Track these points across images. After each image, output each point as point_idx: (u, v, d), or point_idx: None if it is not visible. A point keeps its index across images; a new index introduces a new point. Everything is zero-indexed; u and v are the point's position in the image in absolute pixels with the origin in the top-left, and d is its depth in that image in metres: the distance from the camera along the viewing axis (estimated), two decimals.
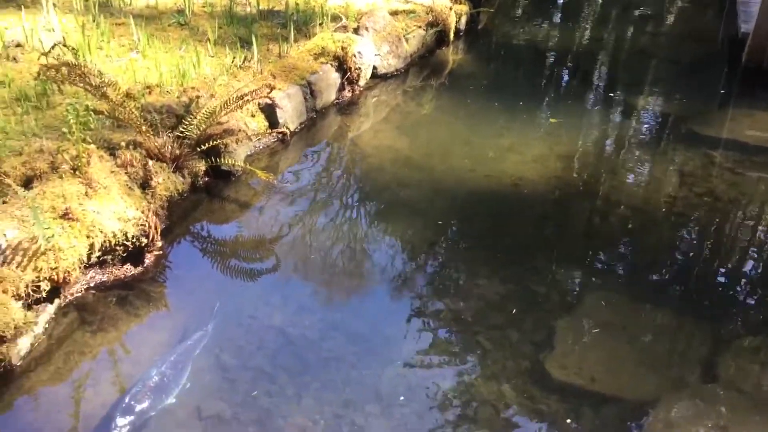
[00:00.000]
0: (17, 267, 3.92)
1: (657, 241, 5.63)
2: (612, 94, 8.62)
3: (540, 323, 4.57)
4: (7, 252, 3.93)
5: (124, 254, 4.70)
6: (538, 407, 3.93)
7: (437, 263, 5.27)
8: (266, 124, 6.44)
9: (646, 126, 7.87)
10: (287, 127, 6.57)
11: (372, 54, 7.97)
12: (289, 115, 6.65)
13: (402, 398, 3.92)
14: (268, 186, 5.94)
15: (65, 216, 4.26)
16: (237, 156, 5.77)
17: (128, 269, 4.74)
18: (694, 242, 5.70)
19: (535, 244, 5.54)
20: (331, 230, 5.51)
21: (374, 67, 8.10)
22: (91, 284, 4.62)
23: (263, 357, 4.16)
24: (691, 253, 5.54)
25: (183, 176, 5.45)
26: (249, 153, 6.24)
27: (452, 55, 9.52)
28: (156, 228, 4.68)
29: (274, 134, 6.43)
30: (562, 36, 10.79)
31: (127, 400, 3.64)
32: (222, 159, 5.58)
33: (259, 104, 6.35)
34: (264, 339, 4.30)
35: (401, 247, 5.37)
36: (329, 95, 7.40)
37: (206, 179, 5.85)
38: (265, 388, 3.94)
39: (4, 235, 3.97)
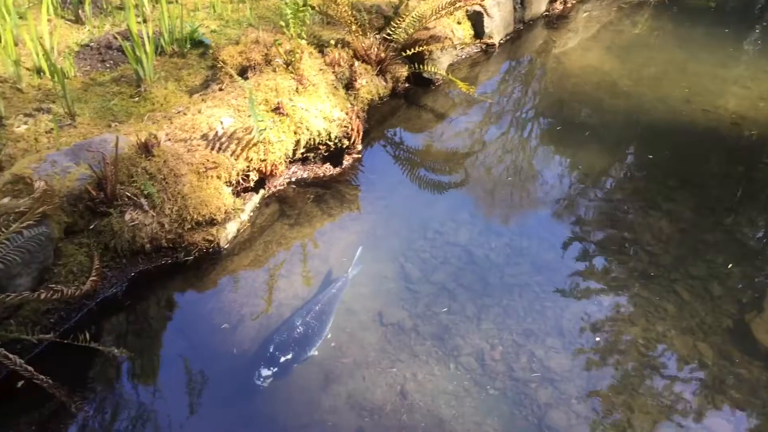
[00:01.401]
0: (231, 155, 4.10)
1: None
2: None
3: (749, 280, 4.16)
4: (223, 139, 4.11)
5: (326, 153, 4.79)
6: (737, 371, 3.61)
7: (638, 202, 4.89)
8: (472, 33, 6.20)
9: None
10: (492, 38, 6.29)
11: None
12: (496, 25, 6.35)
13: (585, 337, 3.76)
14: (466, 98, 5.77)
15: (277, 110, 4.37)
16: (440, 64, 5.62)
17: (327, 169, 4.85)
18: None
19: (753, 193, 5.00)
20: (525, 152, 5.29)
21: None
22: (293, 179, 4.78)
23: (446, 273, 4.13)
24: None
25: (385, 80, 5.41)
26: (450, 62, 6.07)
27: None
28: (358, 131, 4.70)
29: (479, 44, 6.18)
30: None
31: (271, 350, 3.55)
32: (425, 66, 5.45)
33: (467, 11, 6.11)
34: (448, 255, 4.26)
35: (602, 180, 5.05)
36: (539, 6, 6.97)
37: (406, 85, 5.79)
38: (446, 304, 3.92)
39: (221, 122, 4.14)
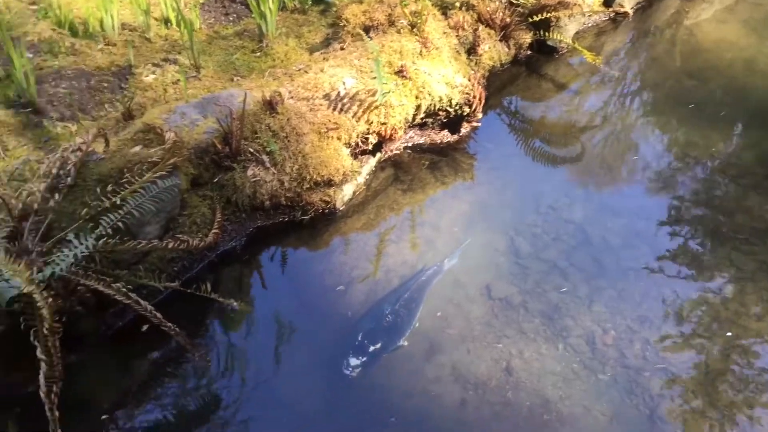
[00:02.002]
0: (353, 117, 4.09)
1: None
2: None
3: None
4: (345, 100, 4.09)
5: (445, 120, 4.70)
6: None
7: None
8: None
9: None
10: (623, 6, 5.98)
11: None
12: None
13: (705, 330, 3.57)
14: (589, 69, 5.52)
15: (400, 73, 4.30)
16: (566, 32, 5.39)
17: (444, 135, 4.77)
18: None
19: None
20: (650, 130, 5.03)
21: None
22: (409, 144, 4.73)
23: (558, 251, 4.00)
24: None
25: (507, 46, 5.24)
26: (576, 30, 5.81)
27: None
28: (480, 99, 4.57)
29: (608, 12, 5.88)
30: None
31: (360, 339, 3.46)
32: (550, 33, 5.23)
33: None
34: (561, 232, 4.12)
35: (733, 164, 4.73)
36: None
37: (528, 53, 5.60)
38: (556, 283, 3.81)
39: (343, 82, 4.12)
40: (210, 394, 3.25)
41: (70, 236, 2.94)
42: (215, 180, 3.78)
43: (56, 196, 3.13)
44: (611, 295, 3.76)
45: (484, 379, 3.34)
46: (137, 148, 3.51)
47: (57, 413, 2.65)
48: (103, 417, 3.12)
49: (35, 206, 3.06)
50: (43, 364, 2.61)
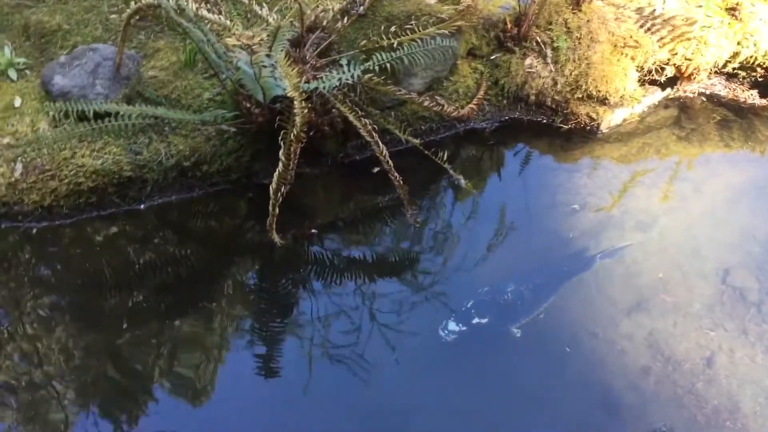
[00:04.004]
0: (658, 41, 3.75)
1: None
2: None
3: None
4: (657, 21, 3.74)
5: (759, 78, 4.20)
6: None
7: None
8: None
9: None
10: None
11: None
12: None
13: None
14: None
15: (731, 10, 3.86)
16: None
17: (751, 96, 4.26)
18: None
19: None
20: None
21: None
22: (706, 92, 4.30)
23: None
24: None
25: None
26: None
27: None
28: None
29: None
30: None
31: (468, 306, 3.13)
32: None
33: None
34: None
35: None
36: None
37: None
38: None
39: (664, 0, 3.75)
40: (408, 253, 3.38)
41: (343, 61, 3.10)
42: (492, 57, 3.74)
43: (345, 20, 3.29)
44: None
45: (680, 358, 3.09)
46: (432, 1, 3.54)
47: (277, 210, 2.92)
48: (312, 231, 3.39)
49: (324, 23, 3.25)
50: (280, 164, 2.85)
